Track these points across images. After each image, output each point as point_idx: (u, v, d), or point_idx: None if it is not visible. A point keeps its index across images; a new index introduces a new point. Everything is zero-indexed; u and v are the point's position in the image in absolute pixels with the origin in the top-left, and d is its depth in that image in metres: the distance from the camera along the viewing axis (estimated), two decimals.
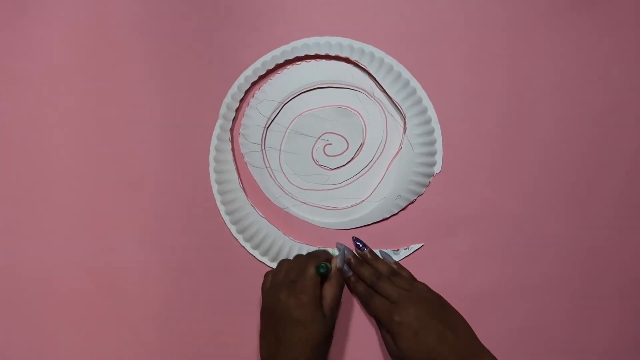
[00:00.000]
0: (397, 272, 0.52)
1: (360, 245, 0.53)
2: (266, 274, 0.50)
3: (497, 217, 0.54)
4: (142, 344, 0.55)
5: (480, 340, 0.48)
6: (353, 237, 0.54)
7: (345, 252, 0.52)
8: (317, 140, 0.55)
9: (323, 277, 0.47)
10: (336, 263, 0.48)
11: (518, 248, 0.54)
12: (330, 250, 0.53)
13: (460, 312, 0.49)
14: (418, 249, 0.54)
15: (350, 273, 0.51)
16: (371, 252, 0.53)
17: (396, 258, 0.54)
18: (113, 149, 0.55)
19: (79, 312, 0.55)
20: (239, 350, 0.54)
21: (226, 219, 0.54)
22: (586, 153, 0.55)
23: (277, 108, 0.54)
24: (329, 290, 0.47)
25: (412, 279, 0.52)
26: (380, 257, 0.53)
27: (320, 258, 0.48)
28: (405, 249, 0.54)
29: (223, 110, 0.54)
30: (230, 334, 0.54)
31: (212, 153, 0.54)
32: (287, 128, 0.55)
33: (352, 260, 0.51)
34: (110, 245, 0.55)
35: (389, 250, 0.54)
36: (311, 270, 0.46)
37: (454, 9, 0.55)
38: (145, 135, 0.55)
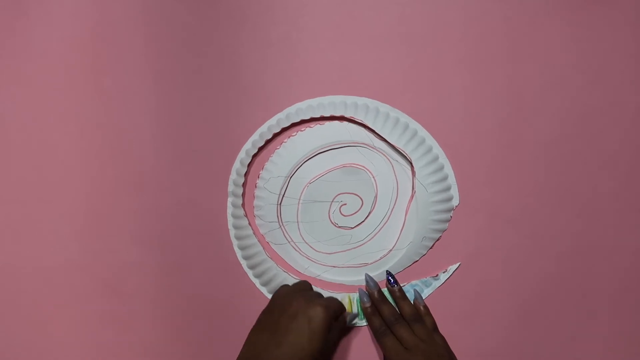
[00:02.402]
0: (420, 318, 0.51)
1: (392, 281, 0.53)
2: (283, 285, 0.51)
3: (498, 217, 0.54)
4: (142, 343, 0.55)
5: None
6: (387, 270, 0.54)
7: (370, 283, 0.52)
8: (331, 204, 0.55)
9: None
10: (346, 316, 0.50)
11: (518, 248, 0.54)
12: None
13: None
14: (456, 269, 0.54)
15: (369, 304, 0.52)
16: (400, 290, 0.53)
17: (437, 283, 0.54)
18: (113, 149, 0.55)
19: (79, 312, 0.55)
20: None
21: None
22: (586, 153, 0.54)
23: (285, 183, 0.54)
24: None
25: (433, 329, 0.51)
26: (414, 294, 0.53)
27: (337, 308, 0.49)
28: (444, 272, 0.54)
29: (231, 187, 0.54)
30: (230, 334, 0.53)
31: (232, 231, 0.55)
32: (299, 199, 0.55)
33: (376, 294, 0.52)
34: (110, 246, 0.55)
35: (429, 277, 0.54)
36: (338, 301, 0.48)
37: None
38: (146, 139, 0.55)
